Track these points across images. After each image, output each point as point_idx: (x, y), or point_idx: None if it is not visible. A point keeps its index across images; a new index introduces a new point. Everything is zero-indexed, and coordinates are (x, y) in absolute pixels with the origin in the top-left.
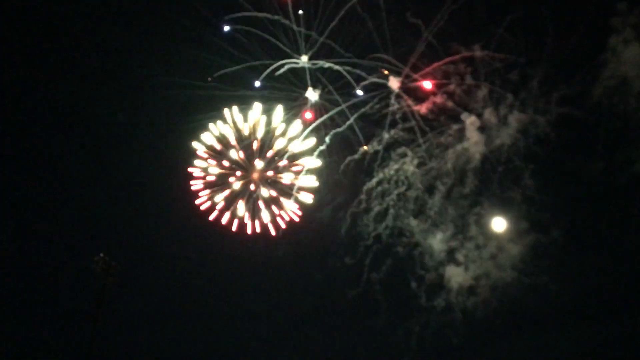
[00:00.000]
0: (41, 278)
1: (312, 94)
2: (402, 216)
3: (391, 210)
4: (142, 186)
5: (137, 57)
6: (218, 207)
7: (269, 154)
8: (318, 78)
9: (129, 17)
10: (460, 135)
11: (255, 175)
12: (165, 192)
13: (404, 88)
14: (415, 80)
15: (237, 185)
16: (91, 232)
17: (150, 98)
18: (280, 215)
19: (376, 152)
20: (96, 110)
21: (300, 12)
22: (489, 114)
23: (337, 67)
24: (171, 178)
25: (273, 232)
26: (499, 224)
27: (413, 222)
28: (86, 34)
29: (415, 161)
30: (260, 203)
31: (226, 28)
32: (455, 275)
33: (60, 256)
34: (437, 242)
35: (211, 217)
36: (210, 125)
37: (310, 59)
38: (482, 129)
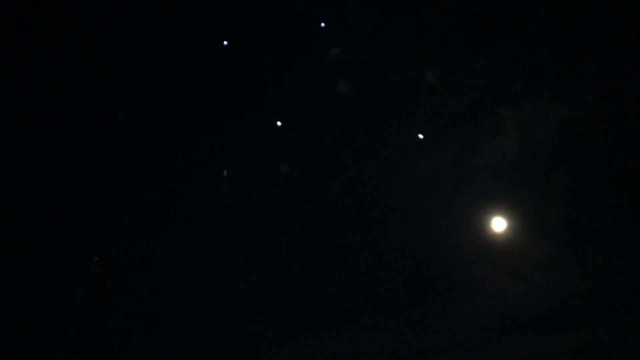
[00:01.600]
0: (41, 278)
1: (343, 88)
2: (433, 213)
3: (421, 207)
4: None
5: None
6: None
7: None
8: (349, 70)
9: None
10: (496, 129)
11: None
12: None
13: (439, 80)
14: (452, 71)
15: None
16: (91, 232)
17: (154, 101)
18: None
19: (408, 148)
20: (95, 109)
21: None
22: (526, 109)
23: (367, 59)
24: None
25: None
26: (499, 224)
27: (443, 220)
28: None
29: (449, 157)
30: None
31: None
32: (487, 275)
33: (60, 256)
34: (468, 240)
35: None
36: None
37: (340, 51)
38: (518, 123)
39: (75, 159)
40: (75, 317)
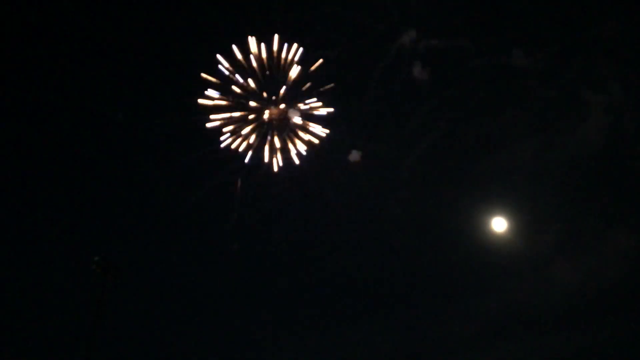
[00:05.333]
0: (41, 278)
1: (420, 72)
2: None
3: (497, 199)
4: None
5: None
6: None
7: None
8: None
9: None
10: (584, 117)
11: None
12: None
13: (526, 65)
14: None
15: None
16: (91, 232)
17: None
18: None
19: (487, 136)
20: (95, 110)
21: None
22: (616, 95)
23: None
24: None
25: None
26: (498, 224)
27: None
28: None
29: (531, 146)
30: None
31: None
32: (562, 271)
33: (60, 256)
34: (546, 235)
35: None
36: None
37: (416, 35)
38: (608, 110)
39: (76, 159)
40: (75, 317)
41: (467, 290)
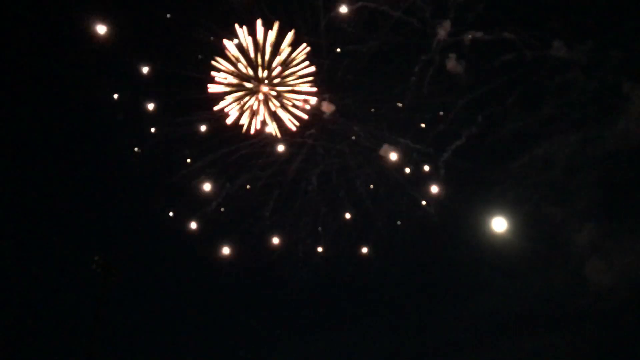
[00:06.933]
0: (41, 278)
1: (456, 66)
2: (543, 203)
3: (530, 196)
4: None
5: None
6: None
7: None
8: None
9: None
10: (624, 110)
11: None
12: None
13: (567, 57)
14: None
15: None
16: (91, 232)
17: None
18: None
19: (526, 130)
20: (96, 110)
21: None
22: None
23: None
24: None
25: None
26: (499, 224)
27: (554, 211)
28: None
29: (570, 140)
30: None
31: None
32: (597, 271)
33: (60, 256)
34: (580, 234)
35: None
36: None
37: (453, 28)
38: None
39: (76, 158)
40: (75, 317)
41: (487, 289)
